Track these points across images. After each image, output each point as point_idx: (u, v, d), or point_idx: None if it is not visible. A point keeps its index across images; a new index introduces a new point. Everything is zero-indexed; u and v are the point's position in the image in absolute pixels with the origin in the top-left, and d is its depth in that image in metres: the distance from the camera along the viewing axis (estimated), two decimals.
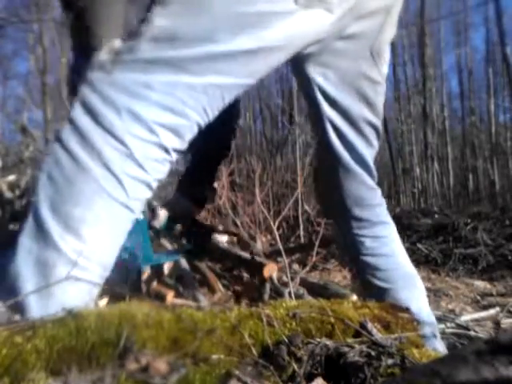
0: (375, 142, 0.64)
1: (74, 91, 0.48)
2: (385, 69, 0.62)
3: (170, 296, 0.93)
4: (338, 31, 0.53)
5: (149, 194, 0.43)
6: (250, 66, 0.45)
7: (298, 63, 0.58)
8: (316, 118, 0.61)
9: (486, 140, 8.29)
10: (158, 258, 0.66)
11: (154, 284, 1.00)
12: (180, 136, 0.43)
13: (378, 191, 0.66)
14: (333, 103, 0.59)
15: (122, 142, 0.40)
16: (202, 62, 0.42)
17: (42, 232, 0.39)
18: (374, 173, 0.65)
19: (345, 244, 0.69)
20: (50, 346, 0.28)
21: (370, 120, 0.62)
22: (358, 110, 0.60)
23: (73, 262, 0.39)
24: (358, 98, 0.60)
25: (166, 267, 1.08)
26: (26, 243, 0.39)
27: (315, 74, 0.58)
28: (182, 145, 0.44)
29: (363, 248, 0.64)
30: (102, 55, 0.43)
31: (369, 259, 0.64)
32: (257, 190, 2.09)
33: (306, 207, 2.59)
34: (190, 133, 0.44)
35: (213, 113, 0.44)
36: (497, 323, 1.17)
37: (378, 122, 0.64)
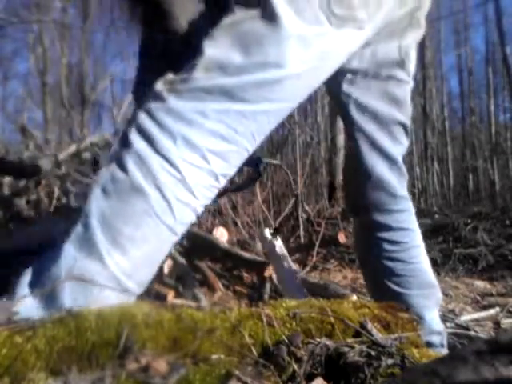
0: (404, 140, 0.64)
1: (138, 100, 0.48)
2: (412, 67, 0.62)
3: (170, 296, 0.92)
4: (369, 35, 0.53)
5: (194, 218, 0.44)
6: (295, 90, 0.46)
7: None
8: (346, 123, 0.63)
9: (486, 140, 8.29)
10: None
11: (154, 284, 1.00)
12: (229, 162, 0.44)
13: (405, 199, 0.65)
14: (361, 108, 0.60)
15: (176, 168, 0.41)
16: (252, 89, 0.44)
17: (89, 242, 0.40)
18: (404, 171, 0.64)
19: (361, 245, 0.69)
20: (50, 346, 0.28)
21: (400, 119, 0.62)
22: (387, 111, 0.61)
23: (115, 277, 0.40)
24: (386, 100, 0.60)
25: (166, 267, 1.07)
26: (71, 250, 0.40)
27: (343, 80, 0.58)
28: (231, 170, 0.45)
29: (381, 251, 0.64)
30: (158, 86, 0.44)
31: (386, 262, 0.63)
32: (257, 190, 2.09)
33: (306, 207, 2.59)
34: (239, 159, 0.45)
35: (260, 138, 0.46)
36: (497, 323, 1.17)
37: (407, 120, 0.64)
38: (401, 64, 0.60)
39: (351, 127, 0.62)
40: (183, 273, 1.03)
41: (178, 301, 0.92)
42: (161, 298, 0.91)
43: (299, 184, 2.45)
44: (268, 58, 0.43)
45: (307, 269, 1.50)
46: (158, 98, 0.43)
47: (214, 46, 0.44)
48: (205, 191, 0.43)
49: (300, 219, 2.35)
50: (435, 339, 0.62)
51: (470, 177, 8.41)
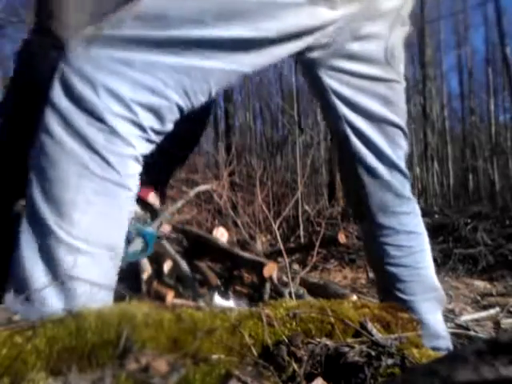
0: (402, 142, 0.62)
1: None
2: (401, 68, 0.61)
3: (170, 296, 0.92)
4: (349, 33, 0.52)
5: (139, 168, 0.43)
6: (240, 54, 0.43)
7: (310, 69, 0.57)
8: (335, 123, 0.60)
9: (486, 140, 8.29)
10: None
11: (154, 284, 1.00)
12: (159, 117, 0.41)
13: (410, 200, 0.63)
14: (351, 106, 0.58)
15: (102, 121, 0.39)
16: (187, 45, 0.41)
17: (38, 221, 0.39)
18: (406, 174, 0.63)
19: (369, 249, 0.68)
20: (50, 346, 0.28)
21: (393, 120, 0.60)
22: (379, 112, 0.59)
23: (72, 246, 0.39)
24: (377, 100, 0.59)
25: (166, 267, 1.07)
26: (27, 232, 0.39)
27: (330, 78, 0.56)
28: (163, 126, 0.42)
29: (386, 256, 0.62)
30: (86, 31, 0.41)
31: (391, 268, 0.62)
32: (257, 190, 2.09)
33: (306, 207, 2.59)
34: (171, 114, 0.42)
35: (195, 96, 0.43)
36: (497, 323, 1.17)
37: (402, 122, 0.62)
38: (387, 64, 0.58)
39: (345, 129, 0.59)
40: (183, 273, 1.03)
41: (178, 301, 0.92)
42: (161, 298, 0.91)
43: (299, 184, 2.45)
44: (210, 16, 0.41)
45: (307, 269, 1.50)
46: (80, 45, 0.40)
47: None
48: (138, 140, 0.41)
49: (300, 219, 2.35)
50: (441, 343, 0.61)
51: (470, 177, 8.41)
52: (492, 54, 8.64)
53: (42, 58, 0.56)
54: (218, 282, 1.11)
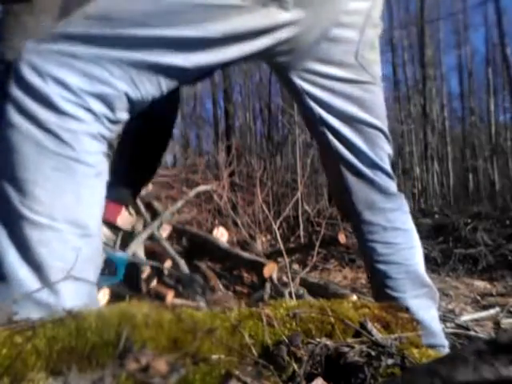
0: (384, 145, 0.61)
1: None
2: (376, 69, 0.60)
3: (170, 296, 0.92)
4: (316, 36, 0.52)
5: (101, 147, 0.43)
6: (186, 53, 0.45)
7: (282, 73, 0.57)
8: (313, 124, 0.60)
9: (486, 140, 8.29)
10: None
11: (154, 284, 1.00)
12: (109, 104, 0.43)
13: (396, 196, 0.63)
14: (327, 108, 0.58)
15: (51, 104, 0.41)
16: (133, 42, 0.43)
17: (5, 203, 0.41)
18: (391, 174, 0.62)
19: (359, 248, 0.67)
20: (50, 346, 0.28)
21: (371, 122, 0.60)
22: (355, 114, 0.59)
23: (37, 222, 0.40)
24: (352, 102, 0.58)
25: (166, 267, 1.07)
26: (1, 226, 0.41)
27: (302, 81, 0.56)
28: (114, 114, 0.43)
29: (375, 254, 0.62)
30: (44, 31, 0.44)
31: (380, 266, 0.61)
32: (257, 190, 2.09)
33: (306, 207, 2.59)
34: (120, 103, 0.43)
35: (143, 86, 0.44)
36: (497, 323, 1.17)
37: (382, 124, 0.61)
38: (359, 67, 0.57)
39: (323, 130, 0.59)
40: (183, 273, 1.03)
41: (178, 301, 0.92)
42: (161, 298, 0.91)
43: (299, 184, 2.45)
44: (153, 18, 0.42)
45: (307, 269, 1.50)
46: (33, 41, 0.43)
47: None
48: (93, 121, 0.42)
49: (300, 219, 2.35)
50: (436, 340, 0.61)
51: (470, 177, 8.41)
52: (492, 54, 8.65)
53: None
54: (219, 283, 1.11)
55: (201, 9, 0.44)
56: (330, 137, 0.60)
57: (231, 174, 2.71)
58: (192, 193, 1.77)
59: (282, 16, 0.47)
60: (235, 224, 1.96)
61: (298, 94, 0.58)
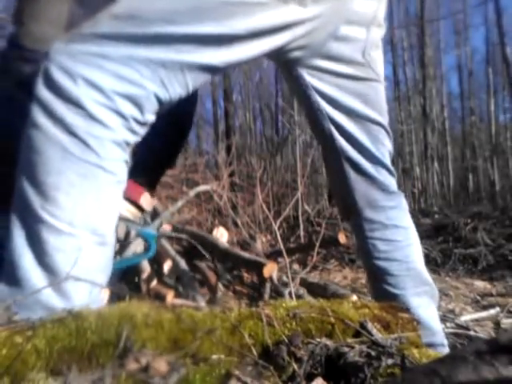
0: (386, 141, 0.63)
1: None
2: (380, 68, 0.61)
3: (169, 296, 0.93)
4: (327, 33, 0.53)
5: (124, 155, 0.43)
6: (213, 49, 0.45)
7: (291, 68, 0.58)
8: (318, 121, 0.61)
9: (486, 140, 8.29)
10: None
11: (154, 284, 1.00)
12: (138, 106, 0.43)
13: (396, 194, 0.63)
14: (334, 104, 0.59)
15: (80, 106, 0.41)
16: (160, 41, 0.43)
17: (25, 206, 0.40)
18: (392, 171, 0.63)
19: (358, 246, 0.68)
20: (50, 346, 0.28)
21: (375, 118, 0.61)
22: (361, 110, 0.60)
23: (56, 229, 0.39)
24: (358, 99, 0.59)
25: (166, 267, 1.08)
26: (16, 220, 0.40)
27: (311, 77, 0.57)
28: (143, 116, 0.43)
29: (375, 251, 0.62)
30: (70, 32, 0.44)
31: (380, 263, 0.62)
32: (257, 190, 2.09)
33: (306, 207, 2.59)
34: (149, 104, 0.43)
35: (172, 86, 0.44)
36: (497, 323, 1.17)
37: (384, 120, 0.63)
38: (366, 65, 0.59)
39: (328, 126, 0.60)
40: (183, 273, 1.03)
41: (178, 301, 0.92)
42: (161, 297, 0.91)
43: (299, 184, 2.45)
44: (179, 15, 0.43)
45: (307, 269, 1.50)
46: (62, 42, 0.43)
47: None
48: (119, 126, 0.42)
49: (300, 219, 2.35)
50: (435, 339, 0.61)
51: (470, 177, 8.41)
52: (492, 54, 8.65)
53: (16, 71, 0.57)
54: (219, 283, 1.11)
55: (226, 5, 0.44)
56: (335, 133, 0.60)
57: (231, 174, 2.71)
58: (192, 193, 1.77)
59: (301, 13, 0.48)
60: (235, 224, 1.96)
61: (305, 90, 0.59)
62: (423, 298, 0.62)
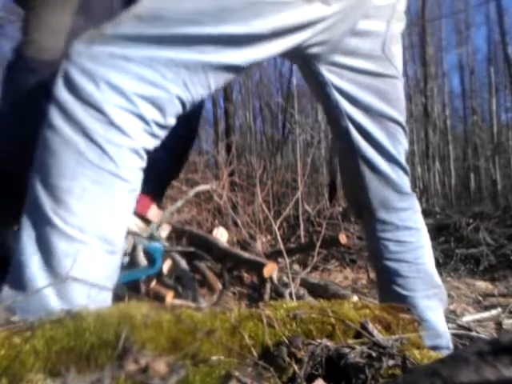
0: (402, 139, 0.63)
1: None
2: (399, 64, 0.61)
3: (169, 296, 0.92)
4: (346, 28, 0.53)
5: (140, 163, 0.43)
6: (236, 49, 0.45)
7: (309, 65, 0.57)
8: (336, 118, 0.60)
9: (488, 139, 8.26)
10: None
11: (154, 284, 1.00)
12: (160, 109, 0.42)
13: (410, 196, 0.63)
14: (353, 101, 0.58)
15: (101, 111, 0.40)
16: (184, 42, 0.43)
17: (36, 208, 0.40)
18: (407, 170, 0.63)
19: (369, 246, 0.68)
20: (49, 347, 0.28)
21: (393, 116, 0.61)
22: (380, 107, 0.59)
23: (66, 234, 0.39)
24: (377, 95, 0.59)
25: (166, 267, 1.07)
26: (27, 221, 0.40)
27: (330, 74, 0.57)
28: (165, 119, 0.43)
29: (386, 252, 0.62)
30: (88, 32, 0.43)
31: (390, 264, 0.62)
32: (258, 190, 2.08)
33: (307, 207, 2.58)
34: (172, 107, 0.43)
35: (195, 88, 0.44)
36: (498, 324, 1.16)
37: (402, 118, 0.62)
38: (386, 60, 0.58)
39: (346, 123, 0.60)
40: (182, 273, 1.03)
41: (178, 301, 0.92)
42: (160, 298, 0.91)
43: (300, 184, 2.44)
44: (205, 15, 0.42)
45: (308, 269, 1.50)
46: (82, 43, 0.42)
47: None
48: (139, 132, 0.41)
49: (300, 219, 2.35)
50: (441, 341, 0.61)
51: (472, 176, 8.39)
52: (494, 53, 8.62)
53: (22, 79, 0.58)
54: (219, 284, 1.11)
55: (252, 5, 0.44)
56: (352, 131, 0.60)
57: (231, 174, 2.71)
58: (192, 192, 1.77)
59: (325, 10, 0.48)
60: (235, 224, 1.96)
61: (324, 88, 0.58)
62: (433, 301, 0.62)
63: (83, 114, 0.40)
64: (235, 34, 0.44)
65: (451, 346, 0.63)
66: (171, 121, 0.44)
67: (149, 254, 0.62)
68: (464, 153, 8.80)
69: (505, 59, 5.39)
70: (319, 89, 0.59)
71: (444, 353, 0.58)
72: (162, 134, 0.44)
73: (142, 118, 0.41)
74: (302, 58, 0.57)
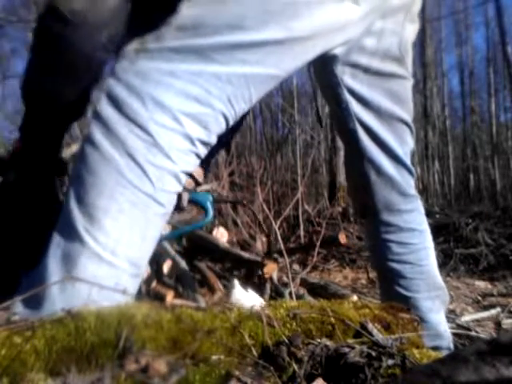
0: (409, 139, 0.64)
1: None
2: (410, 64, 0.62)
3: (169, 296, 0.92)
4: (364, 28, 0.53)
5: (178, 187, 0.42)
6: (277, 57, 0.44)
7: (325, 65, 0.57)
8: (344, 119, 0.60)
9: (487, 139, 8.27)
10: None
11: (154, 284, 1.00)
12: (205, 126, 0.41)
13: (414, 198, 0.64)
14: (363, 102, 0.59)
15: (145, 131, 0.39)
16: (227, 51, 0.42)
17: (68, 224, 0.39)
18: (412, 171, 0.64)
19: (372, 247, 0.68)
20: (49, 347, 0.28)
21: (402, 117, 0.61)
22: (390, 108, 0.60)
23: (96, 254, 0.38)
24: (388, 96, 0.59)
25: (166, 267, 1.07)
26: (56, 236, 0.39)
27: (344, 74, 0.57)
28: (209, 137, 0.42)
29: (389, 253, 0.62)
30: (130, 45, 0.42)
31: (393, 265, 0.62)
32: (258, 190, 2.09)
33: (307, 207, 2.58)
34: (216, 124, 0.42)
35: (238, 104, 0.43)
36: (498, 323, 1.17)
37: (410, 119, 0.63)
38: (401, 60, 0.59)
39: (355, 125, 0.60)
40: (182, 273, 1.03)
41: (178, 301, 0.92)
42: (160, 298, 0.91)
43: (299, 184, 2.45)
44: (248, 20, 0.42)
45: (307, 269, 1.50)
46: (127, 59, 0.41)
47: (191, 6, 0.42)
48: (182, 155, 0.40)
49: (300, 219, 2.35)
50: (442, 343, 0.61)
51: (471, 176, 8.39)
52: (493, 54, 8.62)
53: (52, 35, 0.55)
54: (219, 284, 1.11)
55: (290, 6, 0.43)
56: (360, 133, 0.60)
57: (231, 174, 2.71)
58: None
59: (355, 10, 0.48)
60: (235, 224, 1.96)
61: (336, 88, 0.58)
62: (435, 303, 0.62)
63: (126, 132, 0.39)
64: (277, 39, 0.43)
65: (452, 347, 0.63)
66: (214, 139, 0.43)
67: (198, 205, 0.61)
68: (463, 153, 8.81)
69: (504, 59, 5.40)
70: (330, 89, 0.59)
71: (444, 353, 0.58)
72: (204, 152, 0.43)
73: (187, 137, 0.40)
74: (323, 58, 0.56)
